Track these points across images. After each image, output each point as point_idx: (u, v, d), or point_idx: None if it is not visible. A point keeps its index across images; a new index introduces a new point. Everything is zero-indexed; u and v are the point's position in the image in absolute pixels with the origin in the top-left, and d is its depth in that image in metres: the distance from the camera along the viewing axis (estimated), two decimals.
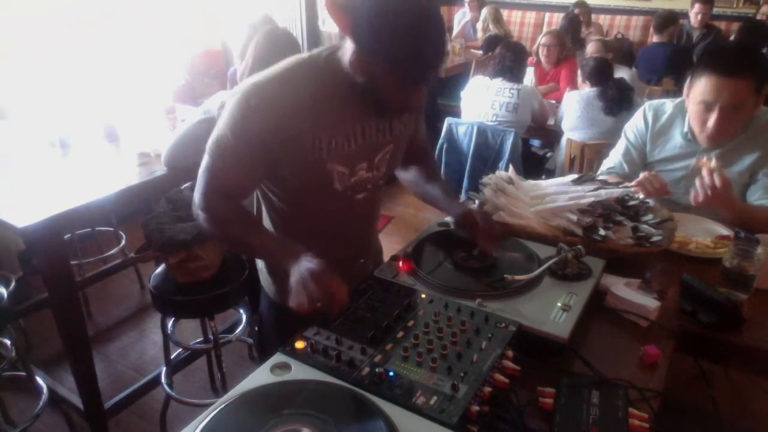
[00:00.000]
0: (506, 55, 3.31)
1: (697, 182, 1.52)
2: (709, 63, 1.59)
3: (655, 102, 1.88)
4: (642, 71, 4.32)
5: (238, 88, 1.13)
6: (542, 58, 4.16)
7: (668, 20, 4.41)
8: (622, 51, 4.12)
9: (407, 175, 1.48)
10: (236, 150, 1.10)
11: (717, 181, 1.47)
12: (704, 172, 1.50)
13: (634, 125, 1.89)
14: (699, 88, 1.61)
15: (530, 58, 4.12)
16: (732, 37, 4.93)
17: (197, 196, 1.15)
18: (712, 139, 1.65)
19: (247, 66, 1.76)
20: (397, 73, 1.02)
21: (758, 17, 5.25)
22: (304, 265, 1.01)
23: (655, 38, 4.54)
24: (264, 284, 1.43)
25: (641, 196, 1.48)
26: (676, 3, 5.55)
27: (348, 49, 1.07)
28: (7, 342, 2.00)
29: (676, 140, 1.79)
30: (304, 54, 1.18)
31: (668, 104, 1.83)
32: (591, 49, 3.83)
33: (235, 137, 1.09)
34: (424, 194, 1.44)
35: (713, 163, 1.51)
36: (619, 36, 5.75)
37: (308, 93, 1.11)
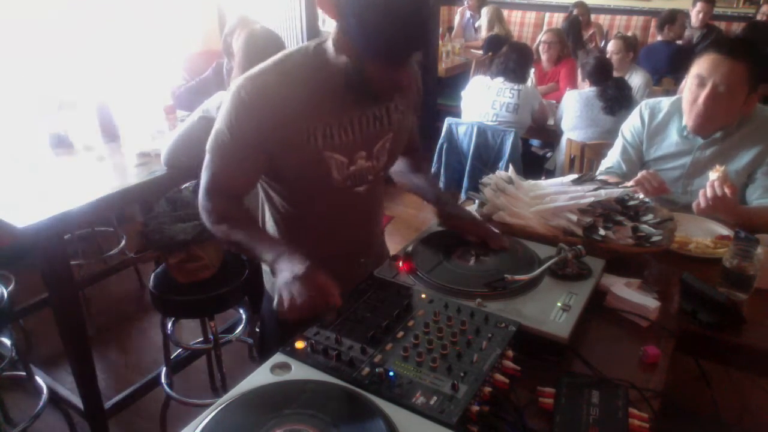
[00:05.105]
0: (510, 56, 3.31)
1: (701, 192, 1.53)
2: (713, 43, 1.68)
3: (651, 100, 1.89)
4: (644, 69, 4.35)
5: (232, 84, 1.13)
6: (543, 56, 4.16)
7: (666, 18, 4.56)
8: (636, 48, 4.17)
9: (395, 165, 1.46)
10: (233, 145, 1.10)
11: (727, 192, 1.49)
12: (710, 184, 1.51)
13: (631, 124, 1.89)
14: (697, 64, 1.66)
15: None
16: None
17: (200, 194, 1.16)
18: (699, 119, 1.67)
19: (238, 66, 1.76)
20: (379, 53, 1.00)
21: (758, 17, 5.25)
22: (292, 268, 1.00)
23: (658, 37, 4.63)
24: (267, 285, 1.43)
25: (641, 196, 1.48)
26: (677, 3, 5.55)
27: (333, 33, 1.07)
28: (7, 342, 2.00)
29: (672, 138, 1.80)
30: (294, 47, 1.17)
31: (664, 102, 1.84)
32: (612, 48, 3.84)
33: (231, 132, 1.10)
34: (409, 184, 1.43)
35: (720, 173, 1.52)
36: (619, 35, 5.75)
37: (300, 83, 1.10)
